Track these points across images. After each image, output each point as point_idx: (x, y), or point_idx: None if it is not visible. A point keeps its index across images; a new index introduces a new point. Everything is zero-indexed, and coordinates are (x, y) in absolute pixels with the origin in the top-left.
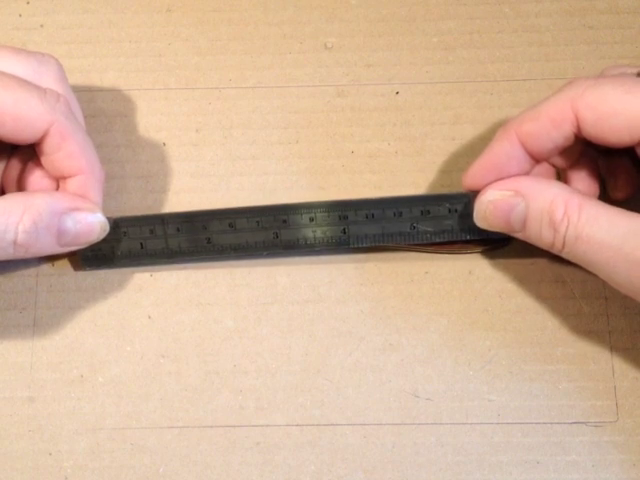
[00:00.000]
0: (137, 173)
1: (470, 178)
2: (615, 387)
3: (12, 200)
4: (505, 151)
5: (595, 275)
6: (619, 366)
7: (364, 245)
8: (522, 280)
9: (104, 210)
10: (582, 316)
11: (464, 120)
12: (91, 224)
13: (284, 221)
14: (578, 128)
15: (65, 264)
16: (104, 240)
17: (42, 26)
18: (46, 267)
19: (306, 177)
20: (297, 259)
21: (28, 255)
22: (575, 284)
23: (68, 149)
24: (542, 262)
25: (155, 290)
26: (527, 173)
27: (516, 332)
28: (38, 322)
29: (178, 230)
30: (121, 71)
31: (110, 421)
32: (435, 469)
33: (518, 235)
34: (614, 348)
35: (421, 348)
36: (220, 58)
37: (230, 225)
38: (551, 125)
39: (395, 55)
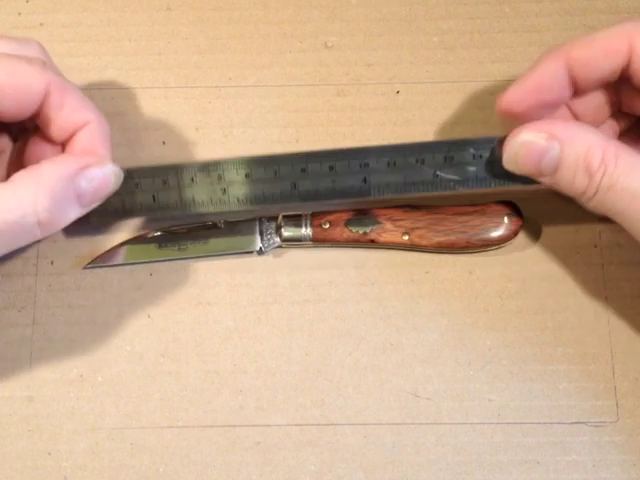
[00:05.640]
0: None
1: (508, 97)
2: (615, 387)
3: (19, 183)
4: (550, 73)
5: (594, 275)
6: (619, 366)
7: (385, 195)
8: (522, 280)
9: None
10: (582, 316)
11: (464, 120)
12: (105, 176)
13: (302, 170)
14: (629, 62)
15: (65, 263)
16: (116, 193)
17: (42, 24)
18: (45, 266)
19: None
20: (297, 260)
21: (57, 228)
22: (575, 284)
23: (71, 103)
24: (542, 262)
25: (155, 289)
26: (565, 101)
27: (516, 332)
28: (37, 321)
29: (192, 180)
30: (120, 69)
31: (109, 421)
32: (435, 469)
33: (545, 180)
34: (614, 348)
35: (421, 348)
36: (220, 57)
37: (247, 175)
38: (603, 54)
39: (395, 54)
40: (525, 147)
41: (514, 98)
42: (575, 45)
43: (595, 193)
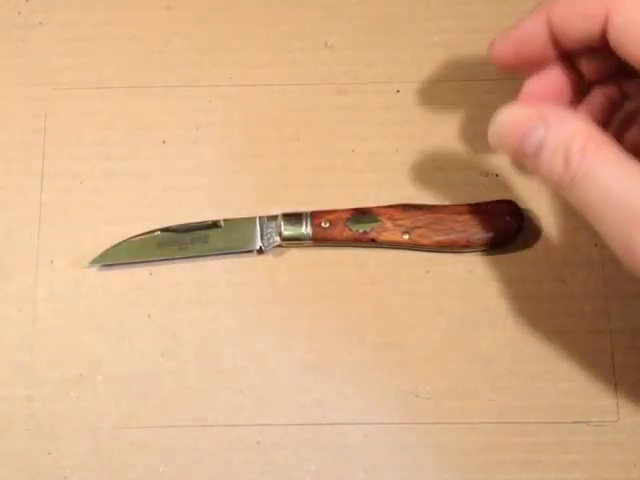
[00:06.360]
0: (137, 171)
1: (495, 46)
2: (616, 387)
3: None
4: (532, 27)
5: (595, 274)
6: (620, 366)
7: None
8: (522, 280)
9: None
10: (582, 316)
11: (464, 119)
12: None
13: None
14: (605, 30)
15: (64, 263)
16: None
17: (42, 24)
18: (45, 265)
19: (306, 176)
20: (297, 259)
21: None
22: (575, 284)
23: None
24: (542, 262)
25: (155, 288)
26: (550, 58)
27: (516, 332)
28: (37, 320)
29: None
30: (120, 69)
31: (110, 420)
32: (435, 469)
33: (527, 163)
34: (615, 348)
35: (421, 347)
36: (220, 56)
37: None
38: (580, 16)
39: (395, 54)
40: (511, 123)
41: (499, 47)
42: (557, 3)
43: (572, 179)
